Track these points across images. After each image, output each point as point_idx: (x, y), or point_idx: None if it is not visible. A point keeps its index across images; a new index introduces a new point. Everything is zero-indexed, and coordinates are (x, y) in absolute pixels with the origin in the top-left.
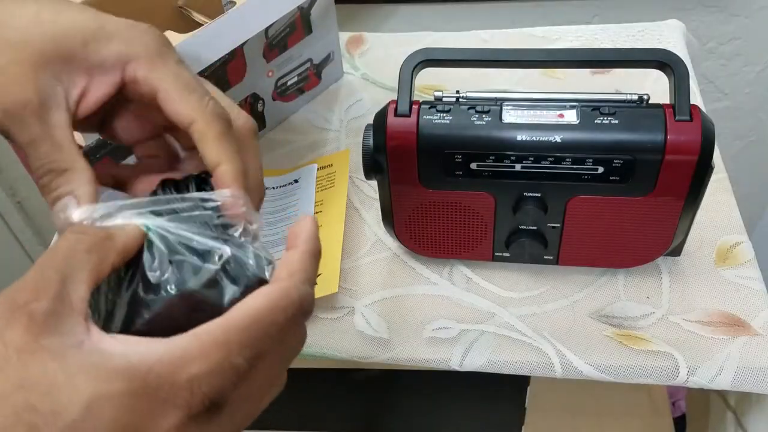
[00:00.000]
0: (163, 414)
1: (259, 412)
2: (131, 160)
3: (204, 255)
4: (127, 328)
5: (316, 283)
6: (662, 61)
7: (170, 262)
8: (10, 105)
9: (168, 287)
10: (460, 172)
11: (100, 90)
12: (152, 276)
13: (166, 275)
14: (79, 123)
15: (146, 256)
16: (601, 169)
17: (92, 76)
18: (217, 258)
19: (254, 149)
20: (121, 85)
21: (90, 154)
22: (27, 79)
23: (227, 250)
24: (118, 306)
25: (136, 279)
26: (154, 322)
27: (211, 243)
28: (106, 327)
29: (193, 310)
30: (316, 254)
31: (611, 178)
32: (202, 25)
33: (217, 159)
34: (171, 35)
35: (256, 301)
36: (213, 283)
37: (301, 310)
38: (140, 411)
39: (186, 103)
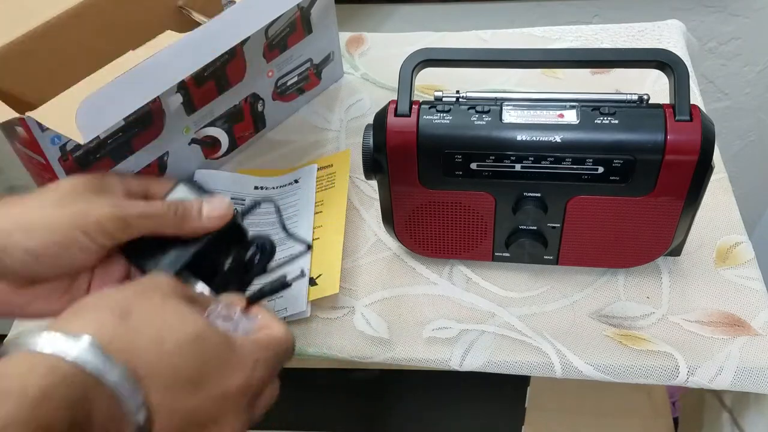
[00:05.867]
0: (231, 372)
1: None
2: (131, 160)
3: None
4: None
5: (317, 284)
6: (662, 61)
7: None
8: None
9: None
10: (460, 172)
11: None
12: None
13: None
14: None
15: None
16: (601, 169)
17: None
18: None
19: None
20: None
21: (90, 154)
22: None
23: None
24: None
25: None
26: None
27: None
28: None
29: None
30: None
31: (611, 178)
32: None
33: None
34: (171, 35)
35: (287, 333)
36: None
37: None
38: (222, 358)
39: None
